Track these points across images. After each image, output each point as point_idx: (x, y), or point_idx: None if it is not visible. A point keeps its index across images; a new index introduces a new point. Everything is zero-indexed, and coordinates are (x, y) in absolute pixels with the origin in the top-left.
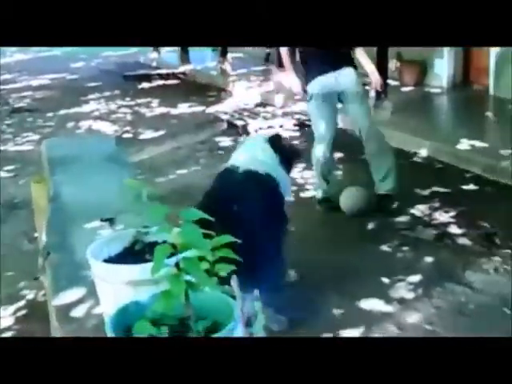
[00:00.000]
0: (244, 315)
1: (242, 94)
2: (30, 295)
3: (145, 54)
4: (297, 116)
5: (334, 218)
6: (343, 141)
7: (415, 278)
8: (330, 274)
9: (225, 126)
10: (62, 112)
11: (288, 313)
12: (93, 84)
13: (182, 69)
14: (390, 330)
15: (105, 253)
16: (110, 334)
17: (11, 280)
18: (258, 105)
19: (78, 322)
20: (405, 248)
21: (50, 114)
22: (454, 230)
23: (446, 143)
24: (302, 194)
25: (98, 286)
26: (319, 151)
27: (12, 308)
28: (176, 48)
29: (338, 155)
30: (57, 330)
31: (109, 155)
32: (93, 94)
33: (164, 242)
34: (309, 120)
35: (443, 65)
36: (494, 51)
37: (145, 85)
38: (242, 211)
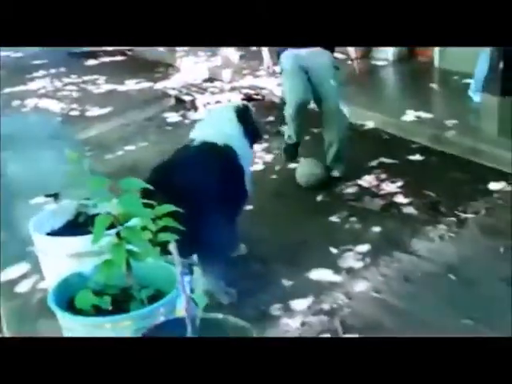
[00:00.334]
0: (184, 280)
1: (190, 69)
2: None
3: None
4: (244, 90)
5: (281, 190)
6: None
7: (363, 247)
8: (278, 245)
9: (173, 101)
10: (7, 90)
11: (238, 285)
12: (38, 62)
13: None
14: (339, 299)
15: (47, 226)
16: (52, 305)
17: None
18: (205, 80)
19: (22, 297)
20: (352, 219)
21: None
22: (400, 199)
23: (392, 115)
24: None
25: (42, 260)
26: (288, 112)
27: None
28: None
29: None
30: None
31: (54, 132)
32: (38, 71)
33: (108, 213)
34: (256, 94)
35: None
36: None
37: (91, 62)
38: (190, 182)
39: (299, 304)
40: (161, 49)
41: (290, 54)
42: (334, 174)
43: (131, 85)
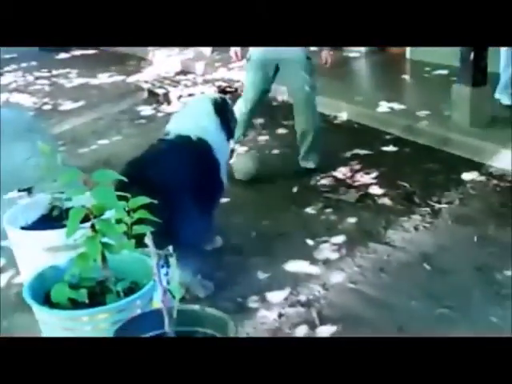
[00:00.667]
0: (160, 272)
1: (162, 62)
2: None
3: None
4: (218, 83)
5: (256, 182)
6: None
7: (339, 238)
8: (254, 237)
9: (146, 94)
10: None
11: (214, 278)
12: (8, 56)
13: None
14: (316, 290)
15: (22, 220)
16: (28, 299)
17: None
18: (178, 73)
19: None
20: (328, 210)
21: None
22: (375, 190)
23: (365, 106)
24: None
25: (17, 254)
26: (239, 105)
27: None
28: None
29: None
30: None
31: (26, 126)
32: (8, 65)
33: (82, 206)
34: (229, 87)
35: None
36: None
37: (62, 55)
38: (165, 176)
39: (276, 296)
40: None
41: (260, 47)
42: (309, 166)
43: (104, 78)
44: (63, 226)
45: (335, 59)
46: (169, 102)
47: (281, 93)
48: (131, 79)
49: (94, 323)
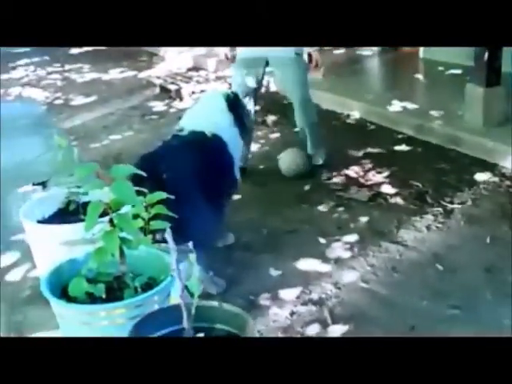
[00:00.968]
0: (179, 268)
1: (174, 58)
2: None
3: None
4: (230, 80)
5: (269, 179)
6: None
7: (351, 237)
8: (266, 235)
9: (157, 90)
10: None
11: (226, 275)
12: (21, 50)
13: None
14: (328, 289)
15: (38, 214)
16: (46, 293)
17: None
18: (190, 69)
19: (13, 285)
20: (340, 208)
21: None
22: (387, 189)
23: (377, 105)
24: None
25: (33, 248)
26: None
27: None
28: None
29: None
30: None
31: (38, 120)
32: (21, 59)
33: (99, 201)
34: None
35: None
36: None
37: (74, 50)
38: (178, 172)
39: (288, 294)
40: None
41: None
42: (316, 162)
43: (115, 74)
44: (80, 221)
45: (347, 58)
46: (181, 98)
47: None
48: (143, 75)
49: (111, 318)
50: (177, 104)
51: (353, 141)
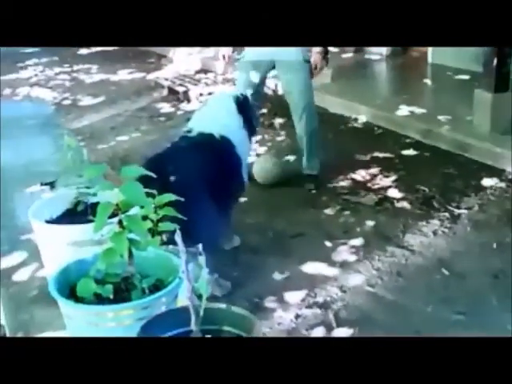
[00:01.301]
0: (188, 270)
1: (183, 60)
2: None
3: None
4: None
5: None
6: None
7: (357, 241)
8: (272, 237)
9: (165, 92)
10: None
11: (231, 277)
12: (29, 50)
13: None
14: (333, 292)
15: (46, 214)
16: (54, 293)
17: None
18: (198, 71)
19: (21, 285)
20: (346, 212)
21: None
22: (393, 194)
23: (385, 109)
24: None
25: (41, 248)
26: None
27: None
28: None
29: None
30: None
31: (46, 120)
32: (30, 60)
33: (108, 202)
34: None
35: None
36: None
37: (83, 51)
38: (187, 173)
39: (293, 296)
40: None
41: (255, 48)
42: (310, 172)
43: (124, 75)
44: (88, 221)
45: (355, 62)
46: (189, 100)
47: None
48: (151, 76)
49: (119, 319)
50: (184, 106)
51: (360, 145)
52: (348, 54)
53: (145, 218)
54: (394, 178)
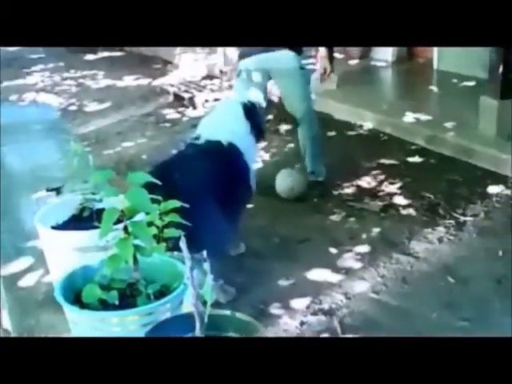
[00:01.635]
0: (193, 276)
1: (189, 66)
2: None
3: None
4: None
5: None
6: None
7: (362, 248)
8: (277, 244)
9: (171, 98)
10: (5, 84)
11: (236, 283)
12: (36, 56)
13: None
14: (338, 299)
15: (52, 220)
16: (59, 299)
17: None
18: (204, 77)
19: (26, 291)
20: (351, 219)
21: None
22: (399, 200)
23: (390, 116)
24: None
25: (47, 253)
26: None
27: None
28: None
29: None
30: (4, 300)
31: (52, 126)
32: (36, 65)
33: (114, 208)
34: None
35: None
36: None
37: (89, 56)
38: (194, 180)
39: (298, 303)
40: None
41: (250, 60)
42: (315, 179)
43: (129, 80)
44: (94, 227)
45: (361, 68)
46: (194, 106)
47: None
48: (157, 82)
49: (124, 325)
50: (190, 112)
51: (365, 151)
52: (354, 61)
53: (150, 224)
54: (399, 184)
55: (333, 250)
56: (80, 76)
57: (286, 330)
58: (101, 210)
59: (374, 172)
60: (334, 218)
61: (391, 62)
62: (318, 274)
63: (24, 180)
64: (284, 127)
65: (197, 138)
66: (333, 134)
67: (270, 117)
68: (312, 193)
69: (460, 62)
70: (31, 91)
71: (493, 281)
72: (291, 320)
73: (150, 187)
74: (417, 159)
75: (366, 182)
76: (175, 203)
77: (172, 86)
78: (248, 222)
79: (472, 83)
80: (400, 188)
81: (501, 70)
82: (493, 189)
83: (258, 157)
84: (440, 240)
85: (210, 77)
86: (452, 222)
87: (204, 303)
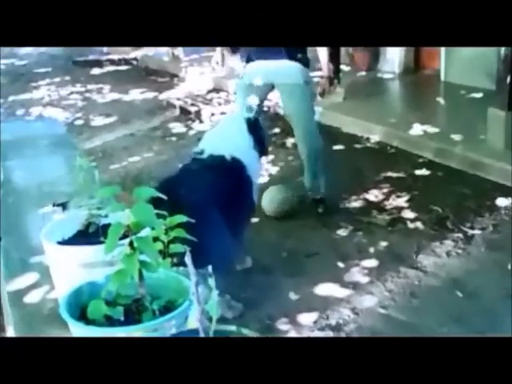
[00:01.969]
0: (198, 292)
1: (195, 79)
2: None
3: None
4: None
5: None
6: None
7: (370, 262)
8: (284, 258)
9: (177, 112)
10: (12, 98)
11: (243, 298)
12: (42, 70)
13: (133, 54)
14: (345, 314)
15: (58, 235)
16: (64, 315)
17: None
18: (210, 91)
19: (32, 307)
20: (359, 233)
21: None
22: (406, 214)
23: (398, 128)
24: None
25: (53, 269)
26: None
27: None
28: None
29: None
30: (10, 316)
31: (58, 140)
32: (43, 80)
33: (119, 223)
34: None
35: (395, 50)
36: None
37: (96, 70)
38: (198, 196)
39: (305, 318)
40: (166, 58)
41: (255, 67)
42: (315, 196)
43: (136, 94)
44: (100, 243)
45: (367, 80)
46: (201, 120)
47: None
48: (163, 96)
49: None
50: (197, 126)
51: (373, 164)
52: (360, 73)
53: (156, 239)
54: (407, 197)
55: (340, 265)
56: (86, 90)
57: None
58: (107, 226)
59: (382, 185)
60: (341, 232)
61: (398, 73)
62: (325, 289)
63: (30, 195)
64: (291, 141)
65: (200, 153)
66: (340, 147)
67: (277, 130)
68: (311, 210)
69: (467, 73)
70: (38, 105)
71: (502, 295)
72: (298, 335)
73: (155, 202)
74: (424, 172)
75: (373, 195)
76: (181, 218)
77: (178, 99)
78: (255, 237)
79: (480, 95)
80: (408, 201)
81: (508, 80)
82: (501, 201)
83: (263, 171)
84: (448, 254)
85: (216, 90)
86: (460, 235)
87: (209, 319)
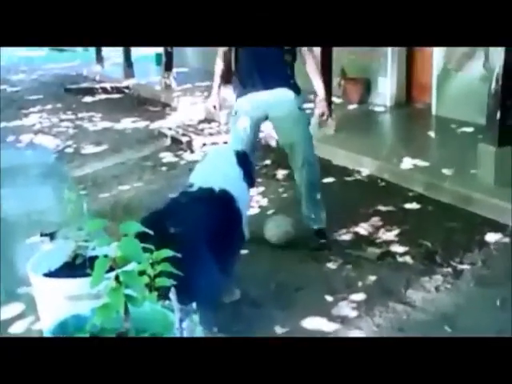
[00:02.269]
0: (182, 327)
1: (187, 109)
2: None
3: (88, 66)
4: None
5: None
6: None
7: (358, 296)
8: (272, 291)
9: (169, 141)
10: (2, 125)
11: (230, 331)
12: (34, 97)
13: (125, 83)
14: None
15: (45, 267)
16: None
17: None
18: (202, 121)
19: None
20: (348, 266)
21: None
22: (396, 248)
23: (388, 162)
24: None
25: (38, 301)
26: None
27: None
28: (120, 61)
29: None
30: None
31: (48, 169)
32: (34, 107)
33: (105, 256)
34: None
35: (386, 83)
36: (436, 70)
37: (87, 98)
38: (187, 230)
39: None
40: (158, 87)
41: (247, 101)
42: (314, 226)
43: (127, 123)
44: (86, 275)
45: (359, 113)
46: (192, 150)
47: None
48: (155, 125)
49: None
50: (187, 156)
51: (363, 197)
52: (352, 105)
53: (142, 273)
54: (396, 231)
55: (329, 298)
56: (77, 118)
57: None
58: (94, 258)
59: (372, 219)
60: (330, 265)
61: (389, 106)
62: (313, 323)
63: (18, 224)
64: (281, 172)
65: (190, 186)
66: (330, 179)
67: (268, 162)
68: (311, 242)
69: (458, 107)
70: (29, 133)
71: (491, 331)
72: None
73: (143, 236)
74: (414, 206)
75: (363, 228)
76: (167, 252)
77: (170, 129)
78: (244, 269)
79: (471, 129)
80: (397, 235)
81: (498, 116)
82: (491, 237)
83: (253, 202)
84: (437, 289)
85: (207, 120)
86: (449, 270)
87: None
